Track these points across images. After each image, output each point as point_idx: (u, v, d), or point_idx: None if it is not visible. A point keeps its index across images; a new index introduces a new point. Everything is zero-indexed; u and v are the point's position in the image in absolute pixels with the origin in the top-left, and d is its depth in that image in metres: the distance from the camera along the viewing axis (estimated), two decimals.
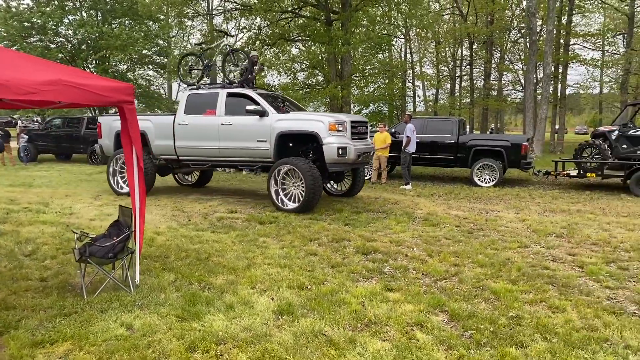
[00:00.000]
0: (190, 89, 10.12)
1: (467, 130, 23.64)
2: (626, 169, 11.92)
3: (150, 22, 25.12)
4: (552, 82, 29.79)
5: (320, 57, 26.69)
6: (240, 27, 22.76)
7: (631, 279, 5.11)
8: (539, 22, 27.52)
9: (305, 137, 8.85)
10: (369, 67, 29.68)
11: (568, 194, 11.91)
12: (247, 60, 10.22)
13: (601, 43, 36.30)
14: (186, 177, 12.45)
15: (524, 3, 28.93)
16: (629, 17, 32.04)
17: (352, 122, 8.87)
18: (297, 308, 4.15)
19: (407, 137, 12.48)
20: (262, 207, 9.28)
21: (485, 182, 13.07)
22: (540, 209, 9.49)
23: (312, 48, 27.31)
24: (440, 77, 39.23)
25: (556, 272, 5.29)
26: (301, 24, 22.78)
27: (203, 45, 11.79)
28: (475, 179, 13.15)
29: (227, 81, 10.13)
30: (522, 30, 32.61)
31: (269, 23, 22.11)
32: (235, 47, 13.75)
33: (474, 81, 36.94)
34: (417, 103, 41.82)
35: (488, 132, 36.59)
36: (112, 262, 4.58)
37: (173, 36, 31.92)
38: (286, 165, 8.61)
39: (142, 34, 24.05)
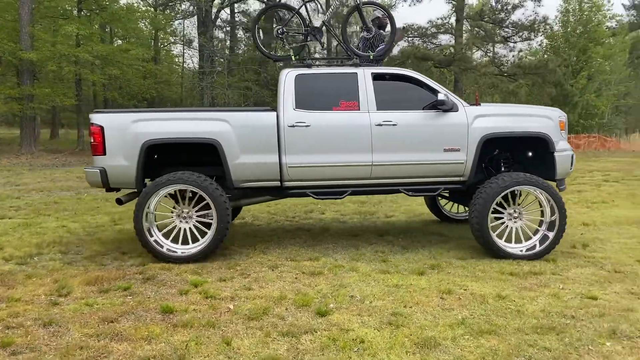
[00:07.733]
0: (296, 68, 6.01)
1: None
2: None
3: None
4: None
5: None
6: None
7: None
8: None
9: (511, 141, 6.06)
10: None
11: None
12: (385, 22, 6.79)
13: None
14: None
15: None
16: None
17: None
18: None
19: None
20: None
21: None
22: None
23: None
24: None
25: None
26: None
27: None
28: None
29: (354, 55, 6.32)
30: None
31: None
32: None
33: None
34: None
35: None
36: None
37: None
38: (522, 185, 5.53)
39: None
